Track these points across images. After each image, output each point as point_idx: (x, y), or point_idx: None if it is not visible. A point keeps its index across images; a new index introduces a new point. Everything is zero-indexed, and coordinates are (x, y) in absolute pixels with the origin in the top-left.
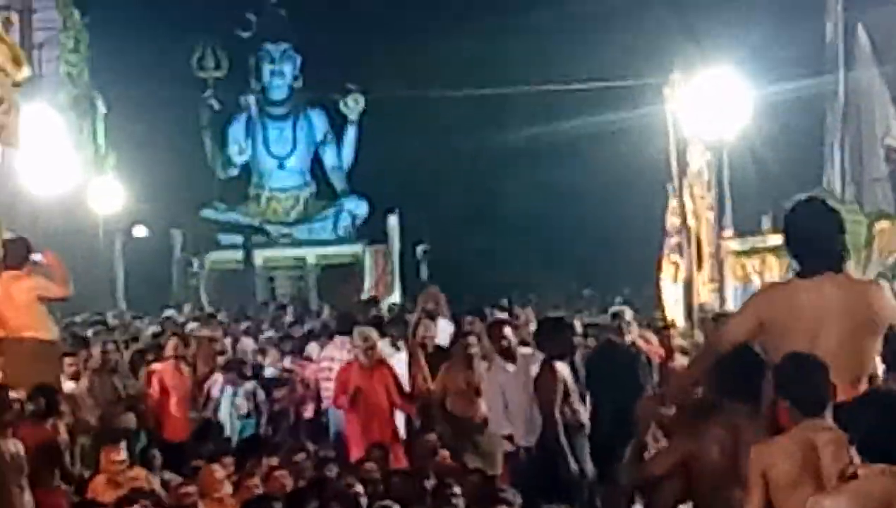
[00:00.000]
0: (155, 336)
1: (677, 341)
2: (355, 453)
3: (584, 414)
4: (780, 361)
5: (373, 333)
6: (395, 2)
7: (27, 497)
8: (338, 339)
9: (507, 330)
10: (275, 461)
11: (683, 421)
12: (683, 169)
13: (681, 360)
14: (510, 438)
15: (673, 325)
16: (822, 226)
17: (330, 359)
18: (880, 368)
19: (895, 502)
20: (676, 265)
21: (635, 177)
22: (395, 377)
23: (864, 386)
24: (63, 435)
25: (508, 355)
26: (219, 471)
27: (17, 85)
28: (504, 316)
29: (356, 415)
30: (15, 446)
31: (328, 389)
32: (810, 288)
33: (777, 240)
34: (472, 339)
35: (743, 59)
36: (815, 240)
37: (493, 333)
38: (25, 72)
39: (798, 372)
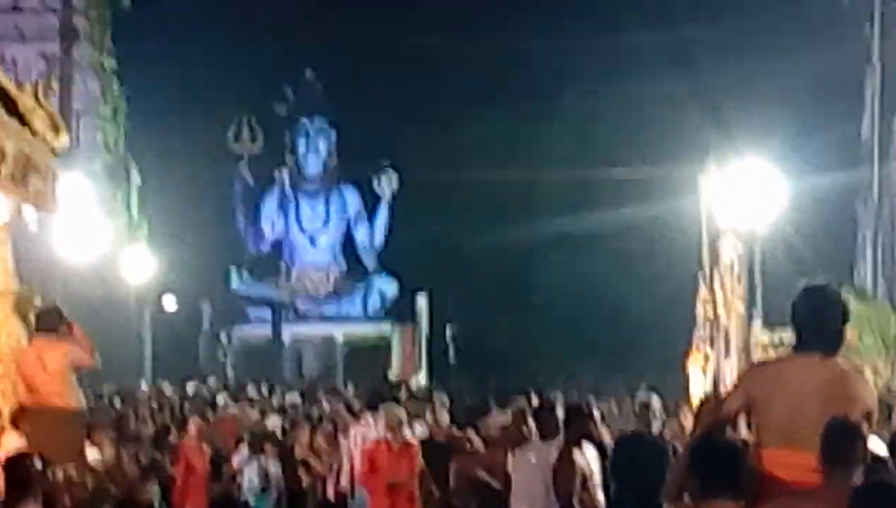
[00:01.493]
0: (181, 409)
1: None
2: None
3: (602, 501)
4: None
5: (400, 412)
6: (434, 81)
7: None
8: (368, 418)
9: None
10: None
11: None
12: (715, 259)
13: None
14: None
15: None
16: (823, 309)
17: (361, 438)
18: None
19: None
20: (706, 355)
21: (667, 266)
22: (413, 456)
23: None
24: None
25: (546, 436)
26: None
27: (54, 152)
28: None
29: (381, 495)
30: None
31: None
32: (798, 364)
33: None
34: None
35: (777, 151)
36: (808, 318)
37: (542, 417)
38: (63, 139)
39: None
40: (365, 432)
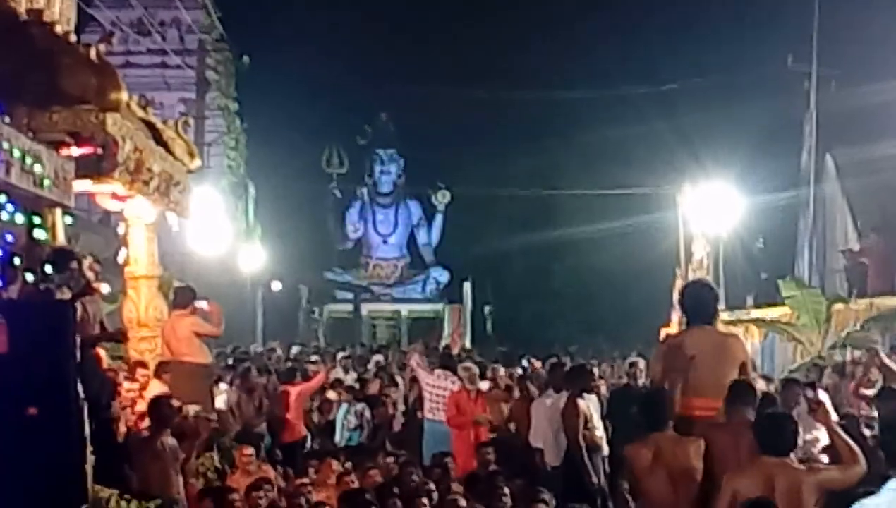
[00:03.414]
0: (286, 361)
1: None
2: (463, 459)
3: (602, 438)
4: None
5: (475, 369)
6: (479, 122)
7: (180, 479)
8: (438, 371)
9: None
10: (373, 461)
11: None
12: (689, 257)
13: None
14: (542, 452)
15: None
16: (700, 296)
17: (436, 388)
18: None
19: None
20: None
21: (652, 262)
22: (484, 401)
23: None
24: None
25: (559, 389)
26: (334, 466)
27: (190, 172)
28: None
29: (467, 428)
30: (172, 440)
31: (430, 408)
32: (691, 334)
33: (757, 313)
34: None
35: (736, 175)
36: (696, 303)
37: (554, 374)
38: (197, 163)
39: (772, 423)
40: (438, 382)
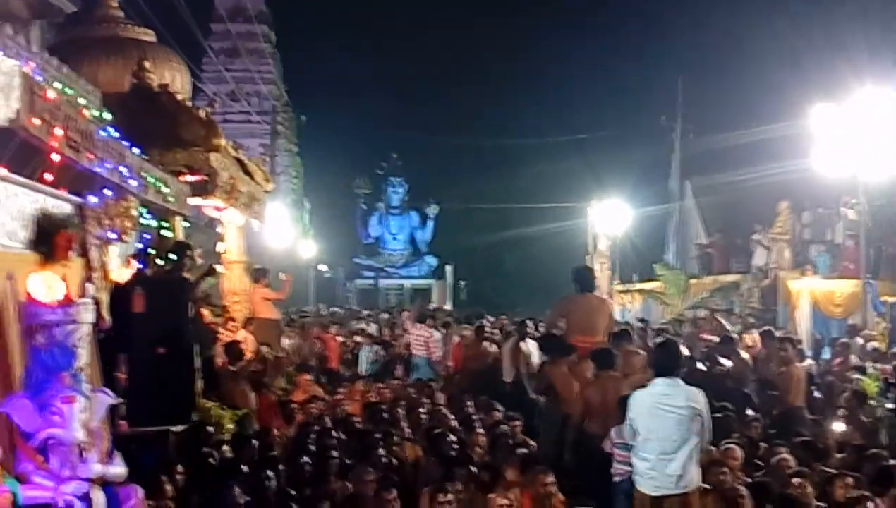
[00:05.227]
0: (329, 316)
1: None
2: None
3: (536, 365)
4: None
5: (469, 329)
6: (458, 164)
7: (253, 395)
8: (418, 324)
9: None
10: (383, 384)
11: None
12: (595, 249)
13: None
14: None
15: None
16: (585, 274)
17: (418, 335)
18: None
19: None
20: None
21: (571, 252)
22: None
23: (602, 339)
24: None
25: (508, 336)
26: (360, 386)
27: (266, 192)
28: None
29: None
30: (247, 369)
31: (414, 347)
32: (581, 298)
33: (641, 286)
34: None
35: (627, 194)
36: (582, 279)
37: (508, 326)
38: (271, 186)
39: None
40: (419, 331)
